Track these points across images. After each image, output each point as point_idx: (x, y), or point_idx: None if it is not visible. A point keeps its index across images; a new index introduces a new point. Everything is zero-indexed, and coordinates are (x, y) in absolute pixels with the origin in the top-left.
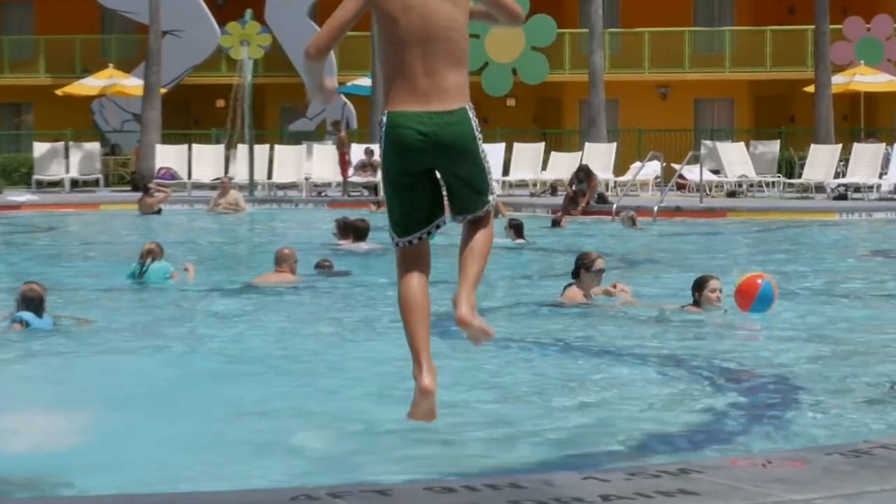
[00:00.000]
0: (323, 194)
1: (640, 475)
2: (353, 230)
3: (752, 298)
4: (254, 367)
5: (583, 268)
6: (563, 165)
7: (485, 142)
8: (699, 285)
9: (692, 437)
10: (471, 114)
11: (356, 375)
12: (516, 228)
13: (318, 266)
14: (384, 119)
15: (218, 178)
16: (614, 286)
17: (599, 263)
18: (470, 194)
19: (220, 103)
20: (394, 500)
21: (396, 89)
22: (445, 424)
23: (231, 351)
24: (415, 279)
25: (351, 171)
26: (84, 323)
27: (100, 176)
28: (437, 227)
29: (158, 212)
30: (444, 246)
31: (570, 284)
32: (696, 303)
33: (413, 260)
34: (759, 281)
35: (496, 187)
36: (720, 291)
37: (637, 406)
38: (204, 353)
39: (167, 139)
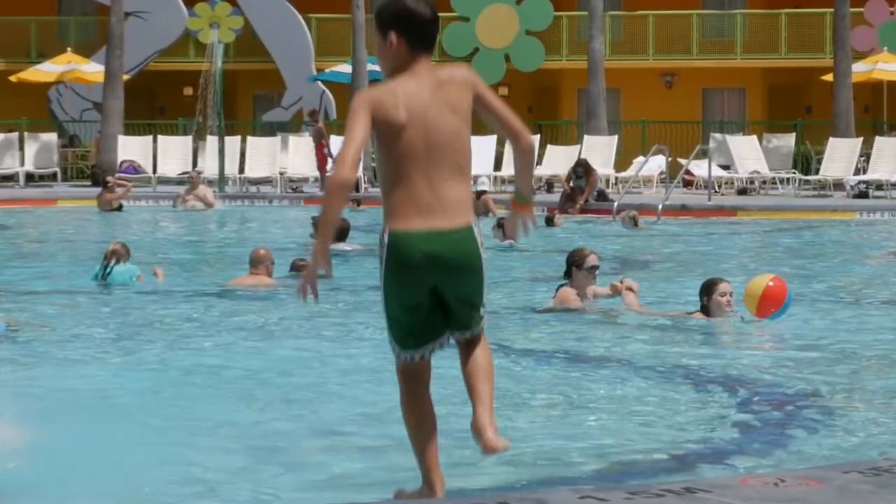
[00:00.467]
0: (299, 190)
1: (642, 494)
2: None
3: (779, 306)
4: (226, 377)
5: (574, 265)
6: (559, 160)
7: (474, 134)
8: (708, 289)
9: (698, 454)
10: (476, 230)
11: (336, 387)
12: (505, 228)
13: (294, 267)
14: (386, 238)
15: (185, 173)
16: (622, 282)
17: (592, 259)
18: (468, 310)
19: (188, 91)
20: None
21: (398, 202)
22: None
23: (202, 359)
24: (421, 397)
25: (329, 164)
26: (41, 328)
27: (57, 169)
28: (441, 346)
29: (119, 208)
30: None
31: (561, 285)
32: (705, 308)
33: (415, 376)
34: (773, 283)
35: (487, 183)
36: (731, 295)
37: (638, 420)
38: (172, 361)
39: (130, 130)
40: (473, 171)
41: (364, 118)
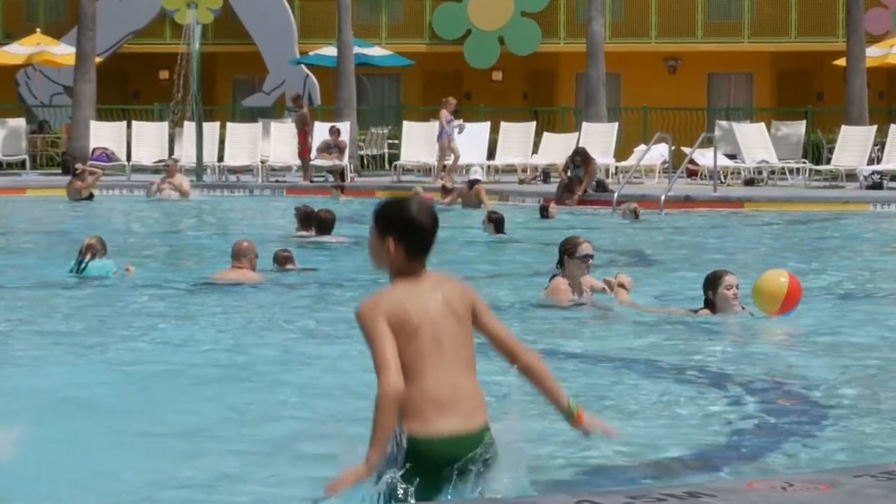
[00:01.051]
0: (281, 180)
1: (642, 499)
2: (317, 221)
3: (797, 302)
4: (210, 376)
5: (566, 254)
6: (556, 148)
7: (467, 120)
8: (713, 282)
9: (702, 456)
10: (490, 431)
11: (324, 385)
12: (496, 223)
13: (276, 260)
14: (405, 442)
15: (161, 161)
16: (615, 277)
17: (585, 248)
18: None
19: (164, 74)
20: None
21: (412, 399)
22: None
23: (183, 358)
24: None
25: (313, 153)
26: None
27: (26, 157)
28: None
29: (90, 197)
30: None
31: (554, 276)
32: (710, 303)
33: None
34: (787, 280)
35: (480, 173)
36: (737, 288)
37: (638, 421)
38: (151, 360)
39: (103, 115)
40: (467, 160)
41: (382, 323)
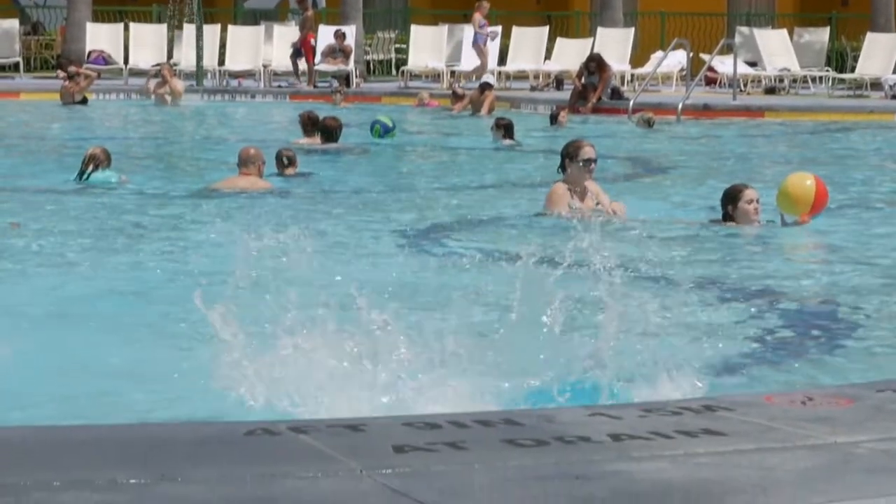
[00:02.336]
0: (284, 85)
1: (658, 412)
2: (322, 129)
3: (823, 207)
4: (210, 284)
5: (567, 157)
6: (570, 54)
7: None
8: (733, 197)
9: (720, 369)
10: None
11: (327, 296)
12: (505, 128)
13: (279, 158)
14: None
15: (158, 65)
16: (610, 204)
17: (588, 152)
18: None
19: None
20: (367, 437)
21: None
22: (428, 352)
23: (186, 267)
24: None
25: (318, 57)
26: (13, 226)
27: (20, 59)
28: None
29: (84, 101)
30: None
31: (556, 182)
32: (729, 218)
33: None
34: (813, 182)
35: (492, 78)
36: (758, 202)
37: (654, 332)
38: (153, 267)
39: (99, 17)
40: (475, 65)
41: None
